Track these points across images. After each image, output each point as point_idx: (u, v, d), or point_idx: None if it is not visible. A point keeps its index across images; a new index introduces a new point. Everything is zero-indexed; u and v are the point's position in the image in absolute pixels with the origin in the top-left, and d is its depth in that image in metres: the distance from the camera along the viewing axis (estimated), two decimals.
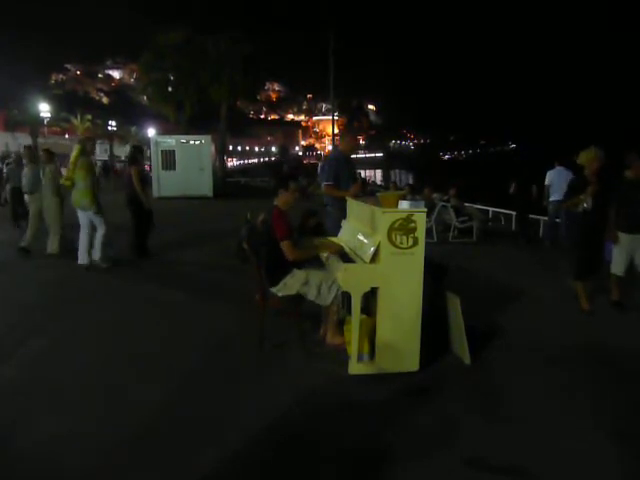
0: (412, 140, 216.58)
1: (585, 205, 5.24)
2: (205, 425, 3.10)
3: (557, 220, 9.73)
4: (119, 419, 3.17)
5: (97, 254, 7.25)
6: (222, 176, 27.86)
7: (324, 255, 4.33)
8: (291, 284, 4.09)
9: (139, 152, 8.41)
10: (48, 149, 8.21)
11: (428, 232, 6.83)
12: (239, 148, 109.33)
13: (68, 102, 69.53)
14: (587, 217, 5.27)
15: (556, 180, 9.45)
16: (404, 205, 3.73)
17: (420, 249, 3.65)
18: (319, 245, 4.43)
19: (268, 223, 4.14)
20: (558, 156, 9.99)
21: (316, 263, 4.33)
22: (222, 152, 30.42)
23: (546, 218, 10.43)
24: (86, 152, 7.18)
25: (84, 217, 7.13)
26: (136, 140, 66.41)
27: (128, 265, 7.53)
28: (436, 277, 4.24)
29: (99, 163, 41.51)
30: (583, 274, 5.47)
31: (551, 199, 9.65)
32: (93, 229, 7.24)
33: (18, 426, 3.09)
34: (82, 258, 7.18)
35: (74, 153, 7.11)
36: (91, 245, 7.22)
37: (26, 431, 3.04)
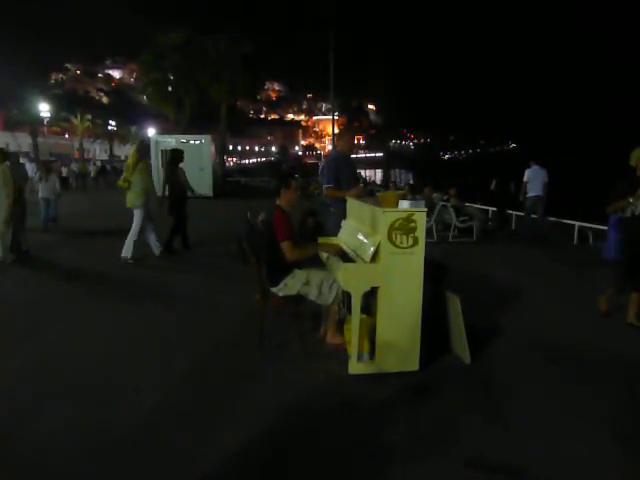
0: (412, 140, 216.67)
1: (634, 209, 4.88)
2: (205, 425, 3.10)
3: (533, 216, 10.53)
4: (119, 419, 3.16)
5: (125, 249, 7.61)
6: (222, 175, 27.87)
7: (324, 255, 4.33)
8: (292, 284, 4.09)
9: (182, 154, 8.78)
10: (1, 148, 8.10)
11: (428, 232, 6.83)
12: (239, 148, 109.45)
13: (68, 102, 69.47)
14: (637, 222, 4.90)
15: (533, 178, 10.26)
16: (404, 205, 3.72)
17: (420, 249, 3.64)
18: (319, 246, 4.40)
19: (269, 223, 4.13)
20: (535, 155, 10.76)
21: (316, 263, 4.32)
22: (222, 152, 30.43)
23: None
24: (143, 156, 7.59)
25: (139, 215, 7.55)
26: (136, 140, 66.43)
27: (127, 264, 7.52)
28: (436, 277, 4.24)
29: (98, 163, 41.52)
30: (622, 284, 5.14)
31: (528, 195, 10.35)
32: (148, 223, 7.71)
33: (18, 425, 3.09)
34: (155, 249, 7.70)
35: (132, 157, 7.47)
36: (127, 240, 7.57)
37: (26, 430, 3.03)
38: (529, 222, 10.61)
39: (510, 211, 12.07)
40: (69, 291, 6.29)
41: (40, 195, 11.31)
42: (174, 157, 8.68)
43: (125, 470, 2.67)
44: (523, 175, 10.54)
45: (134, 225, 7.54)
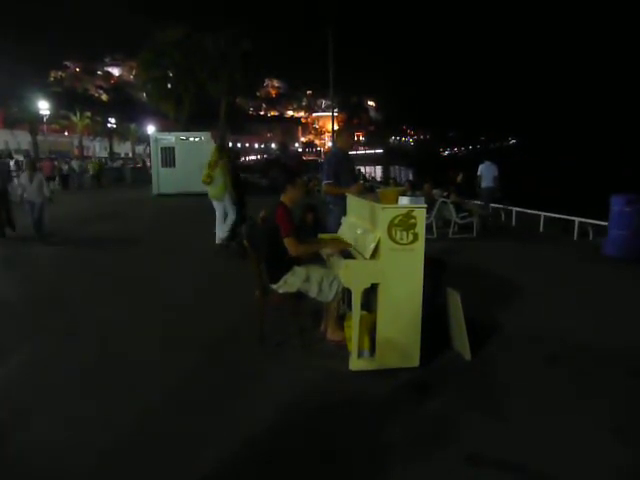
0: (412, 136, 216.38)
1: None
2: (205, 424, 3.09)
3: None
4: (118, 418, 3.16)
5: (221, 235, 8.54)
6: None
7: (326, 252, 4.31)
8: (292, 281, 4.08)
9: (239, 154, 9.67)
10: None
11: (428, 228, 6.81)
12: (239, 145, 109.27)
13: (67, 99, 69.23)
14: None
15: (485, 172, 12.20)
16: (404, 201, 3.71)
17: (420, 245, 3.63)
18: (325, 243, 4.36)
19: (271, 220, 4.12)
20: (487, 154, 13.00)
21: (317, 260, 4.31)
22: None
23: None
24: (223, 155, 8.51)
25: (220, 207, 8.45)
26: (136, 138, 66.25)
27: (123, 264, 7.52)
28: (436, 273, 4.23)
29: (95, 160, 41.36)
30: None
31: (482, 186, 12.19)
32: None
33: (18, 426, 3.08)
34: (219, 239, 8.49)
35: (213, 156, 8.41)
36: None
37: (26, 431, 3.02)
38: (485, 208, 12.19)
39: (475, 201, 13.28)
40: (66, 288, 6.28)
41: (25, 197, 9.94)
42: (235, 156, 9.91)
43: (125, 470, 2.66)
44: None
45: (229, 215, 8.44)
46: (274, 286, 4.14)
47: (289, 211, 4.11)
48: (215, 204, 8.51)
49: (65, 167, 28.98)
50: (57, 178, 24.52)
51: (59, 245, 9.43)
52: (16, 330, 4.82)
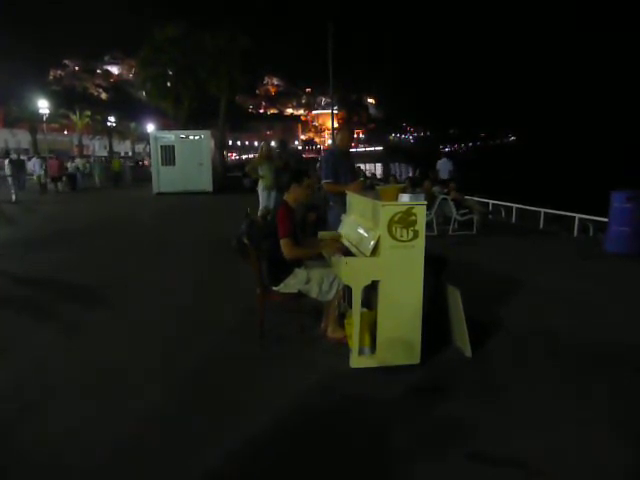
0: (412, 134, 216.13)
1: None
2: (205, 423, 3.08)
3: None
4: (119, 418, 3.15)
5: None
6: (222, 171, 27.79)
7: (326, 252, 4.29)
8: (292, 284, 4.08)
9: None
10: None
11: (428, 225, 6.82)
12: (238, 143, 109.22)
13: (67, 98, 69.31)
14: None
15: (442, 167, 14.18)
16: (404, 198, 3.71)
17: (420, 242, 3.63)
18: (322, 246, 4.31)
19: (273, 218, 4.10)
20: (445, 151, 13.69)
21: (317, 259, 4.30)
22: (221, 147, 30.34)
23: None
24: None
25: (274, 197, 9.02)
26: (135, 136, 66.20)
27: (123, 261, 7.51)
28: (437, 270, 4.23)
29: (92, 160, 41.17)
30: None
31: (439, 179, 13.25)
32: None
33: (18, 426, 3.08)
34: None
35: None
36: None
37: (26, 431, 3.02)
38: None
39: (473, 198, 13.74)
40: (67, 288, 6.28)
41: None
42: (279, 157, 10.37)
43: (125, 469, 2.66)
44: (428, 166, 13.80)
45: (262, 203, 8.98)
46: (275, 288, 4.14)
47: (290, 211, 4.09)
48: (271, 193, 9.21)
49: (72, 165, 28.50)
50: (64, 178, 24.08)
51: None
52: (14, 328, 4.81)
